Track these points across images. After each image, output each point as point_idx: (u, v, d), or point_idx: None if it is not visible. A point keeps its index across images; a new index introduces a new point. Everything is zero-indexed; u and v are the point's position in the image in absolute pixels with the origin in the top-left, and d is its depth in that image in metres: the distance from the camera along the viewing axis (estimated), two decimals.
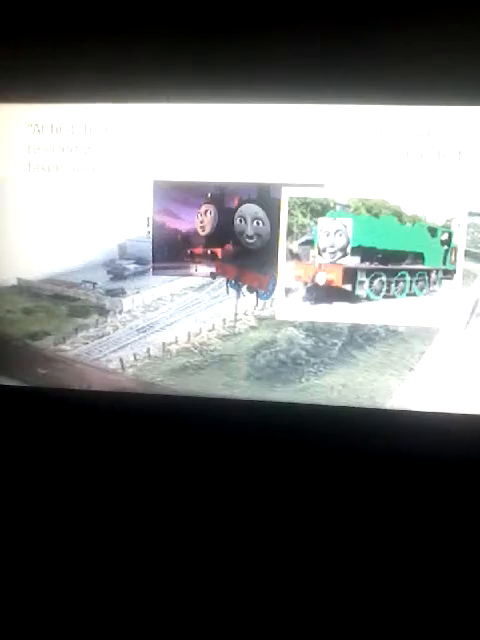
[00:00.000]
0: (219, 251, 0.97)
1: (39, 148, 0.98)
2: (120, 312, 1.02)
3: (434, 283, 0.94)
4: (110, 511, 1.04)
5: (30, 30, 0.93)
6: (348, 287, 0.95)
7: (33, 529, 1.05)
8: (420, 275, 0.94)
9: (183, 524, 1.02)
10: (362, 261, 0.94)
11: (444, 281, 0.94)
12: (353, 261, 0.94)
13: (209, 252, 0.98)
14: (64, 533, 1.04)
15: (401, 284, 0.95)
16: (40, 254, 1.02)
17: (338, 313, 0.96)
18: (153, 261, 0.99)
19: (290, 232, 0.95)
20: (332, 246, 0.94)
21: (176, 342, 1.02)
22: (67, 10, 0.92)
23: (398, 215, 0.93)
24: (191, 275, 0.99)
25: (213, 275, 0.98)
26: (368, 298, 0.95)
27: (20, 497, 1.06)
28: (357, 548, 0.98)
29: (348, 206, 0.93)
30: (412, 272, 0.95)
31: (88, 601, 1.00)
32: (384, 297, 0.95)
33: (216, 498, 1.01)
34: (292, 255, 0.96)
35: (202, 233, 0.97)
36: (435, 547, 0.97)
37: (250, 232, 0.96)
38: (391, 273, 0.95)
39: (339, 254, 0.94)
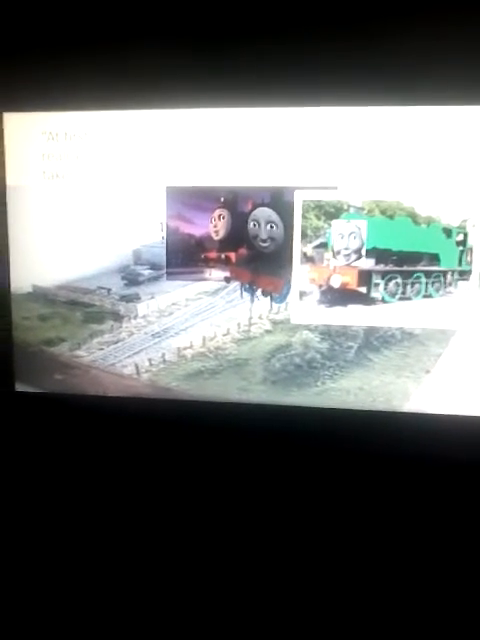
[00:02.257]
0: (233, 255, 0.97)
1: (53, 156, 0.98)
2: (135, 317, 1.02)
3: (450, 284, 0.93)
4: (129, 515, 1.04)
5: (42, 39, 0.94)
6: (363, 289, 0.95)
7: (53, 533, 1.05)
8: (436, 276, 0.94)
9: (202, 527, 1.02)
10: (377, 263, 0.94)
11: (460, 282, 0.93)
12: (368, 263, 0.94)
13: (223, 256, 0.97)
14: (84, 538, 1.04)
15: (417, 286, 0.94)
16: (55, 261, 1.02)
17: (353, 316, 0.96)
18: (167, 266, 0.99)
19: (304, 235, 0.94)
20: (346, 248, 0.94)
21: (191, 347, 1.02)
22: (79, 18, 0.92)
23: (413, 216, 0.92)
24: (205, 280, 0.99)
25: (227, 279, 0.98)
26: (383, 300, 0.95)
27: (39, 502, 1.06)
28: (378, 551, 0.97)
29: (362, 208, 0.93)
30: (428, 273, 0.94)
31: (102, 602, 1.00)
32: (400, 299, 0.95)
33: (234, 501, 1.01)
34: (306, 258, 0.95)
35: (216, 237, 0.97)
36: (455, 547, 0.96)
37: (264, 236, 0.96)
38: (406, 275, 0.94)
39: (354, 256, 0.94)
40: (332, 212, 0.93)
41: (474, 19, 0.86)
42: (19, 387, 1.07)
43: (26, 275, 1.03)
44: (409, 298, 0.95)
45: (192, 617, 0.98)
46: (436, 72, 0.87)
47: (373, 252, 0.93)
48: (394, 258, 0.94)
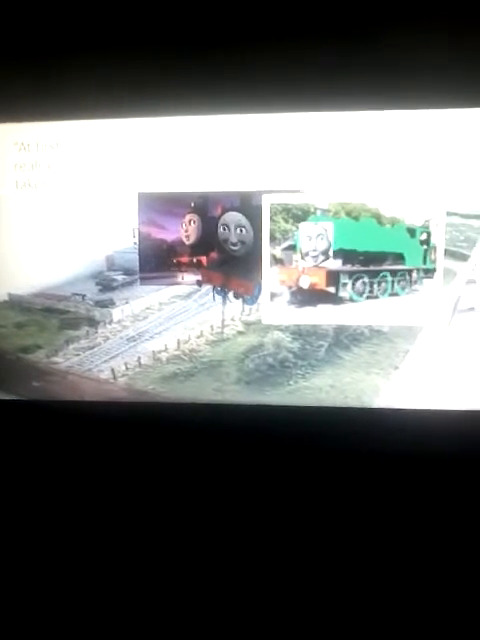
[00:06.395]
0: (204, 259, 0.99)
1: (25, 166, 1.00)
2: (110, 323, 1.04)
3: (415, 282, 0.96)
4: (108, 520, 1.05)
5: (11, 50, 0.95)
6: (331, 289, 0.97)
7: (31, 542, 1.06)
8: (401, 275, 0.96)
9: (180, 529, 1.03)
10: (344, 263, 0.96)
11: (425, 280, 0.96)
12: (335, 264, 0.96)
13: (195, 260, 0.99)
14: (62, 546, 1.05)
15: (383, 284, 0.97)
16: (30, 269, 1.04)
17: (323, 315, 0.98)
18: (140, 271, 1.01)
19: (273, 238, 0.97)
20: (314, 250, 0.96)
21: (166, 350, 1.03)
22: (47, 29, 0.94)
23: (377, 217, 0.95)
24: (178, 284, 1.01)
25: (199, 283, 1.00)
26: (351, 299, 0.97)
27: (17, 510, 1.07)
28: (352, 548, 0.99)
29: (328, 210, 0.95)
30: (393, 272, 0.97)
31: (85, 611, 1.00)
32: (367, 298, 0.97)
33: (212, 501, 1.02)
34: (276, 260, 0.98)
35: (187, 242, 0.99)
36: (425, 542, 0.98)
37: (234, 239, 0.98)
38: (373, 274, 0.97)
39: (321, 257, 0.96)
40: (299, 215, 0.96)
41: (443, 25, 0.89)
42: None
43: (1, 283, 1.05)
44: (376, 297, 0.97)
45: (172, 620, 0.99)
46: (400, 77, 0.90)
47: (340, 253, 0.96)
48: (361, 258, 0.96)
